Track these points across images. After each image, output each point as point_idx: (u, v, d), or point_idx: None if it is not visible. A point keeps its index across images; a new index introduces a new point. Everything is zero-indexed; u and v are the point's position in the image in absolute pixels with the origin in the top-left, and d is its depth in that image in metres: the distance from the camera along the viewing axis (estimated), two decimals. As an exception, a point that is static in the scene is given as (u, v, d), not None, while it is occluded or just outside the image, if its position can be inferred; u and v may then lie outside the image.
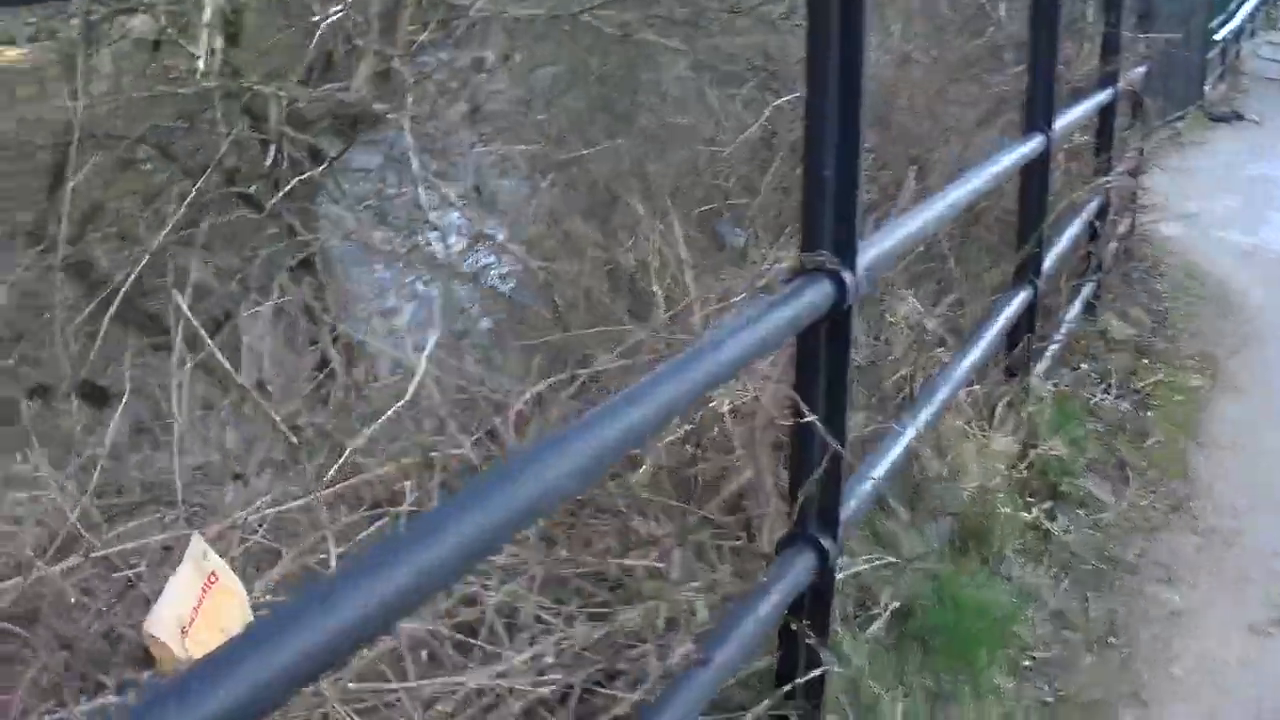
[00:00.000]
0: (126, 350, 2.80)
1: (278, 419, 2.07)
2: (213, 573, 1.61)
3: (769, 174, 4.52)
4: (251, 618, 1.66)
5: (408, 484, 2.17)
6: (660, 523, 2.10)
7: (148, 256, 3.21)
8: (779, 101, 4.58)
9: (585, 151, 4.72)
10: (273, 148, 3.87)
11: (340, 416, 2.38)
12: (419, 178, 4.00)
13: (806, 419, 2.12)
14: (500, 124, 4.69)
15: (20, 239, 3.84)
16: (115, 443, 2.12)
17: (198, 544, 1.64)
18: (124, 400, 2.22)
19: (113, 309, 3.12)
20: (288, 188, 3.74)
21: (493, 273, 3.96)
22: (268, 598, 1.72)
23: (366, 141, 4.64)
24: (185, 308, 2.22)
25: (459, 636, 1.78)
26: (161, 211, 3.43)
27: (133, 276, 3.24)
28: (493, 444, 2.33)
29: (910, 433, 2.96)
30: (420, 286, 3.87)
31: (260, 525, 1.91)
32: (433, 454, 2.23)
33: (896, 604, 2.77)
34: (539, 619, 1.82)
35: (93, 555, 1.69)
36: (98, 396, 2.66)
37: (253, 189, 4.03)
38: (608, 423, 1.57)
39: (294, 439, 2.05)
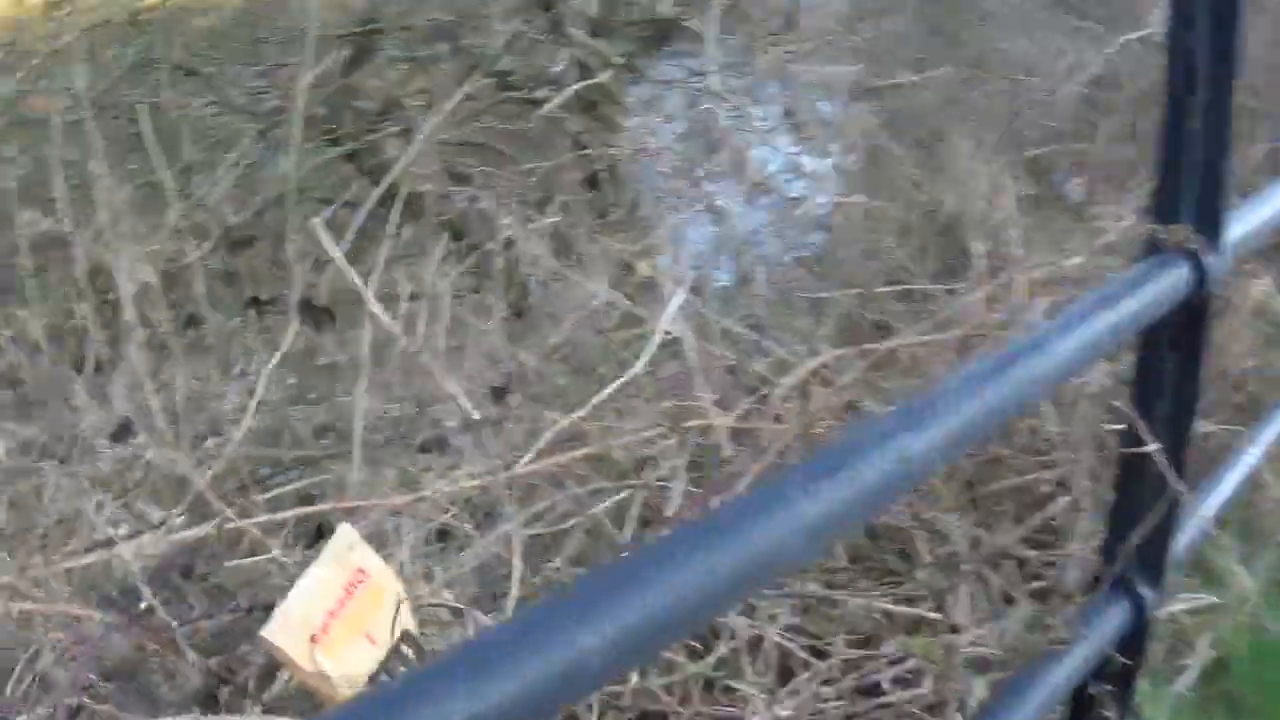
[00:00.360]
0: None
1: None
2: (360, 569, 1.37)
3: (1108, 121, 4.03)
4: (413, 624, 1.41)
5: (649, 458, 1.92)
6: (943, 545, 1.77)
7: (419, 152, 3.03)
8: (1129, 37, 4.07)
9: (911, 79, 4.32)
10: (567, 53, 3.67)
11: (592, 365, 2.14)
12: (722, 97, 3.71)
13: (1142, 447, 1.73)
14: (816, 42, 4.33)
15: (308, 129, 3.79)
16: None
17: (345, 534, 1.40)
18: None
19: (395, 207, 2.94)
20: (565, 94, 3.51)
21: (798, 210, 3.64)
22: (448, 594, 1.50)
23: (671, 53, 4.38)
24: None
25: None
26: (441, 111, 3.26)
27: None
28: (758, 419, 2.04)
29: (1258, 453, 2.50)
30: (712, 219, 3.60)
31: (453, 504, 1.68)
32: (683, 425, 1.96)
33: (1214, 654, 2.36)
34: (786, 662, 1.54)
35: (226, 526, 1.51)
36: (319, 316, 2.50)
37: (539, 94, 3.83)
38: (910, 432, 1.23)
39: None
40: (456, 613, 1.47)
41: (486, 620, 1.45)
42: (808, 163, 4.05)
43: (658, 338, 2.06)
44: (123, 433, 1.78)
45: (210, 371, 2.14)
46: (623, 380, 1.87)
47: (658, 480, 1.94)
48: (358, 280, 1.88)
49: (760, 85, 4.17)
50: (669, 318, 2.05)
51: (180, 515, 1.57)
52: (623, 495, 1.89)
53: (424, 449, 1.82)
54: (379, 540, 1.54)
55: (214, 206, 3.39)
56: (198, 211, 3.29)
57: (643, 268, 2.55)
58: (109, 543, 1.54)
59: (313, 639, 1.31)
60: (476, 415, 1.83)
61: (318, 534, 1.61)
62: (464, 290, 2.60)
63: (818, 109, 4.54)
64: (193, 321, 2.34)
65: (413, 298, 2.60)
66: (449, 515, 1.63)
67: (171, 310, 2.31)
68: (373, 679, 1.35)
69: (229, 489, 1.71)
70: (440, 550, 1.63)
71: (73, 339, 2.35)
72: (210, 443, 1.77)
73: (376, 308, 2.04)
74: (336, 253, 1.99)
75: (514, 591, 1.46)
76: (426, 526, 1.61)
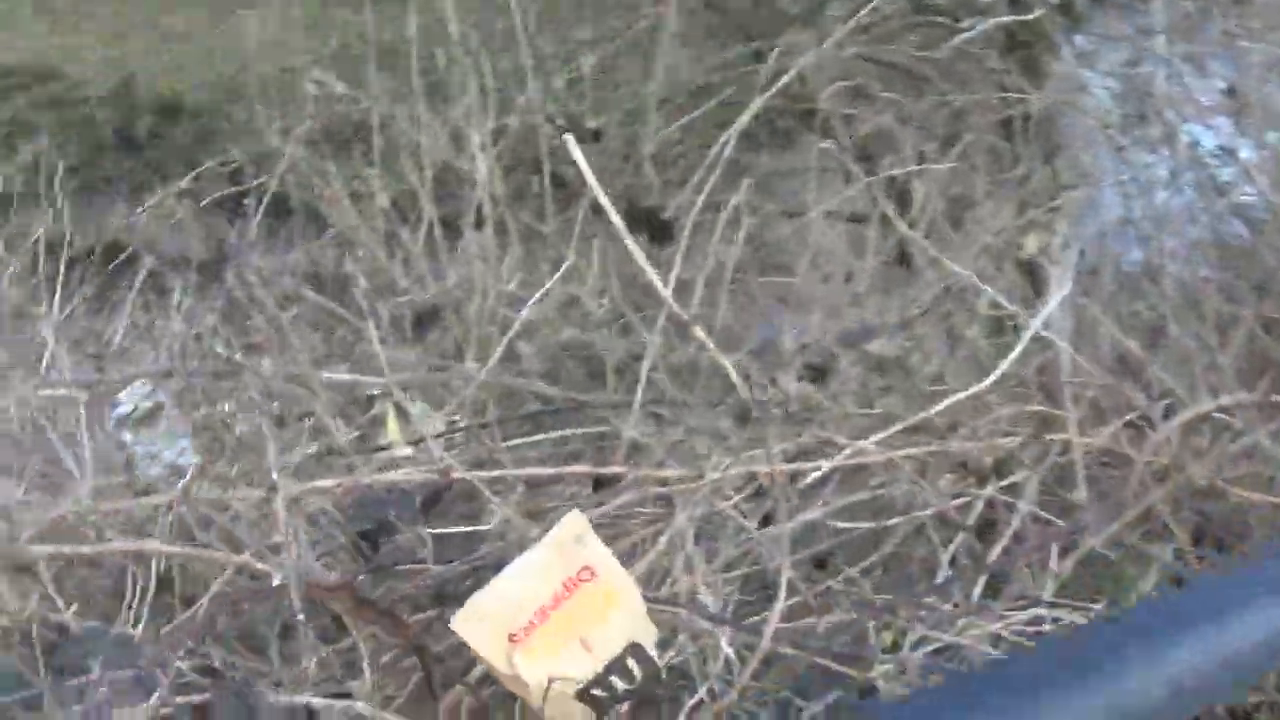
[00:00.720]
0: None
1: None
2: (586, 566, 1.19)
3: None
4: (649, 636, 1.23)
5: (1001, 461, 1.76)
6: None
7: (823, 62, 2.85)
8: None
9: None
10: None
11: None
12: (1167, 62, 3.33)
13: None
14: (1273, 21, 3.82)
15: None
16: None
17: (574, 523, 1.22)
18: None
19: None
20: (989, 23, 3.22)
21: (1222, 200, 3.25)
22: (706, 593, 1.36)
23: (1116, 4, 3.98)
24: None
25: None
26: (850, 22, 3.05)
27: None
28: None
29: None
30: (1125, 196, 3.26)
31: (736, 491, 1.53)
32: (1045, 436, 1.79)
33: None
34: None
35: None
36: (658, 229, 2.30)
37: (963, 22, 3.56)
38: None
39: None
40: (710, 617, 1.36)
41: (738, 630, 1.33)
42: (1244, 148, 3.62)
43: (1029, 333, 1.87)
44: (430, 317, 1.75)
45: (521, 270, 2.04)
46: (989, 381, 1.71)
47: (1002, 488, 1.78)
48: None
49: (1206, 57, 3.74)
50: (1046, 316, 1.86)
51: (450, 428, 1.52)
52: (962, 500, 1.75)
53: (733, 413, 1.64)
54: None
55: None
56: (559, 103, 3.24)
57: (1029, 244, 2.32)
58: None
59: (511, 638, 1.16)
60: (797, 383, 1.70)
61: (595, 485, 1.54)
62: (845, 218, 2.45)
63: (1265, 92, 4.04)
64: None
65: (789, 215, 2.46)
66: (731, 501, 1.50)
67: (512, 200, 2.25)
68: (585, 694, 1.19)
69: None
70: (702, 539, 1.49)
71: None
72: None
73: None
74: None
75: (780, 598, 1.34)
76: (702, 511, 1.48)
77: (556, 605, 1.17)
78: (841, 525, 1.72)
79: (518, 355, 1.76)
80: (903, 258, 2.19)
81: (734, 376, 1.22)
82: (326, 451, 1.55)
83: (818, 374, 1.72)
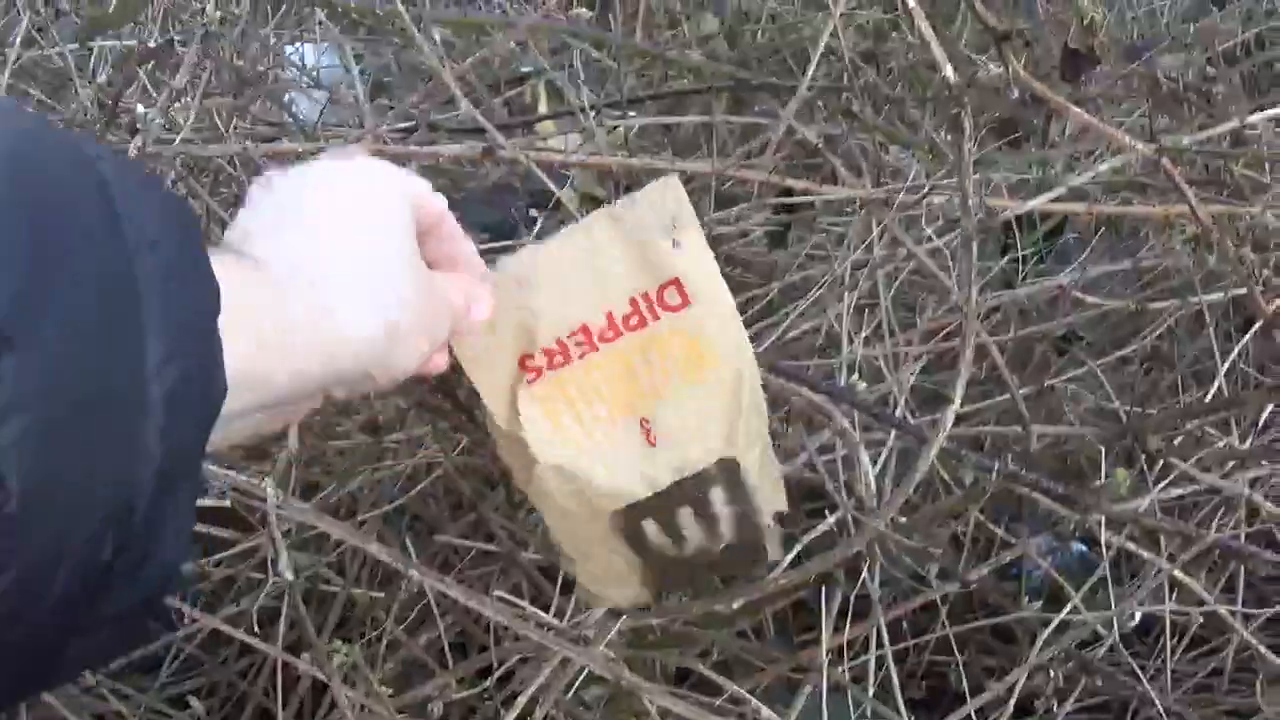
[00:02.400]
0: None
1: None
2: (676, 281, 0.69)
3: None
4: (775, 478, 0.74)
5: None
6: None
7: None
8: None
9: None
10: None
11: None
12: None
13: None
14: None
15: None
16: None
17: (669, 193, 0.70)
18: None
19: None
20: None
21: None
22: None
23: None
24: None
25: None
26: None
27: None
28: None
29: None
30: None
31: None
32: None
33: None
34: None
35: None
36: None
37: None
38: None
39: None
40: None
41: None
42: None
43: None
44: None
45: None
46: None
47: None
48: None
49: None
50: None
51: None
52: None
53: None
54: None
55: None
56: None
57: None
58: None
59: (526, 362, 0.68)
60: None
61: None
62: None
63: None
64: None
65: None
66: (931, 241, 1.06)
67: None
68: (630, 521, 0.71)
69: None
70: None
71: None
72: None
73: None
74: None
75: (958, 391, 0.88)
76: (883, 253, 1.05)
77: (614, 333, 0.69)
78: (1091, 299, 1.29)
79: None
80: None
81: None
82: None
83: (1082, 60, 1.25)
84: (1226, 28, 1.58)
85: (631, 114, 1.17)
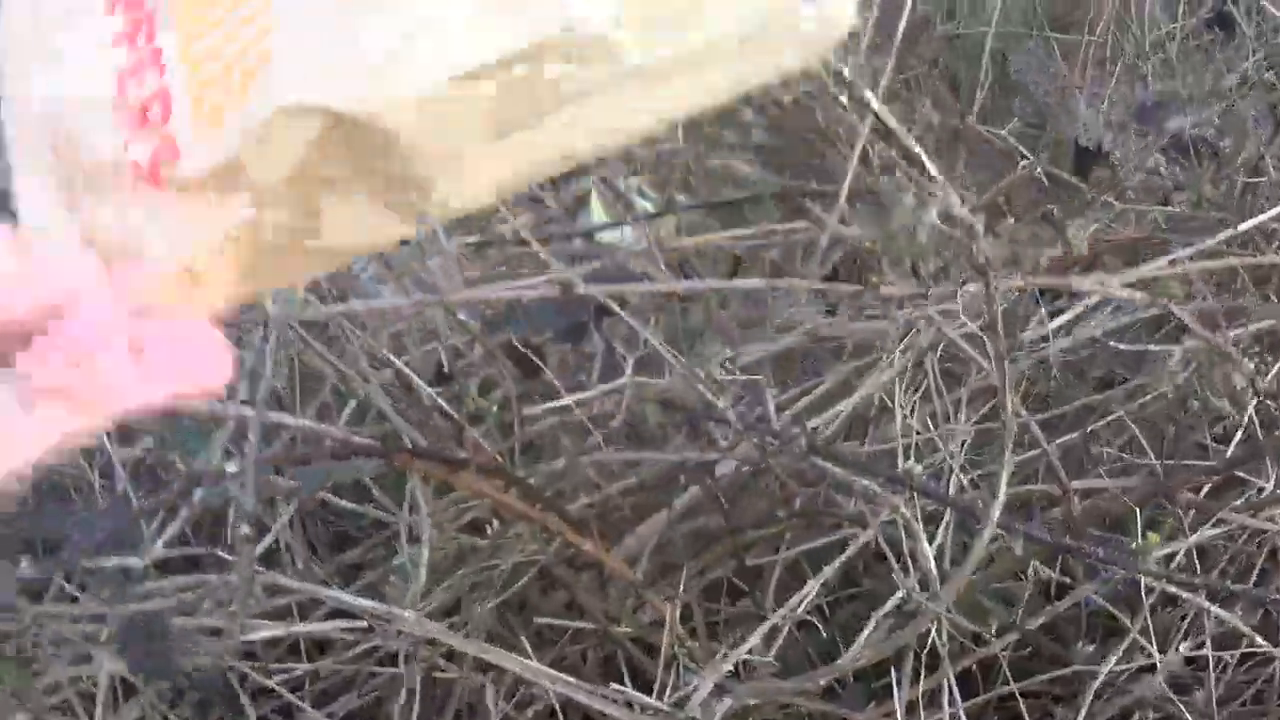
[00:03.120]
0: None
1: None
2: None
3: None
4: None
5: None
6: None
7: None
8: None
9: None
10: None
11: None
12: None
13: None
14: None
15: None
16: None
17: None
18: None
19: None
20: None
21: None
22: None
23: None
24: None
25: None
26: None
27: None
28: None
29: None
30: None
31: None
32: None
33: None
34: None
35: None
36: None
37: None
38: None
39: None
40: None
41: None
42: None
43: None
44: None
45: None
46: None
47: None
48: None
49: None
50: None
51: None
52: None
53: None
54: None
55: None
56: None
57: None
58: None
59: None
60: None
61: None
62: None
63: None
64: None
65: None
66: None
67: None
68: None
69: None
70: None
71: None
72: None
73: None
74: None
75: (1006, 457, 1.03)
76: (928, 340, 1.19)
77: None
78: (1121, 346, 1.41)
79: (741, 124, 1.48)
80: (1222, 18, 1.77)
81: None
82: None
83: (1092, 157, 1.38)
84: (1233, 71, 1.69)
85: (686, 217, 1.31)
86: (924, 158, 0.88)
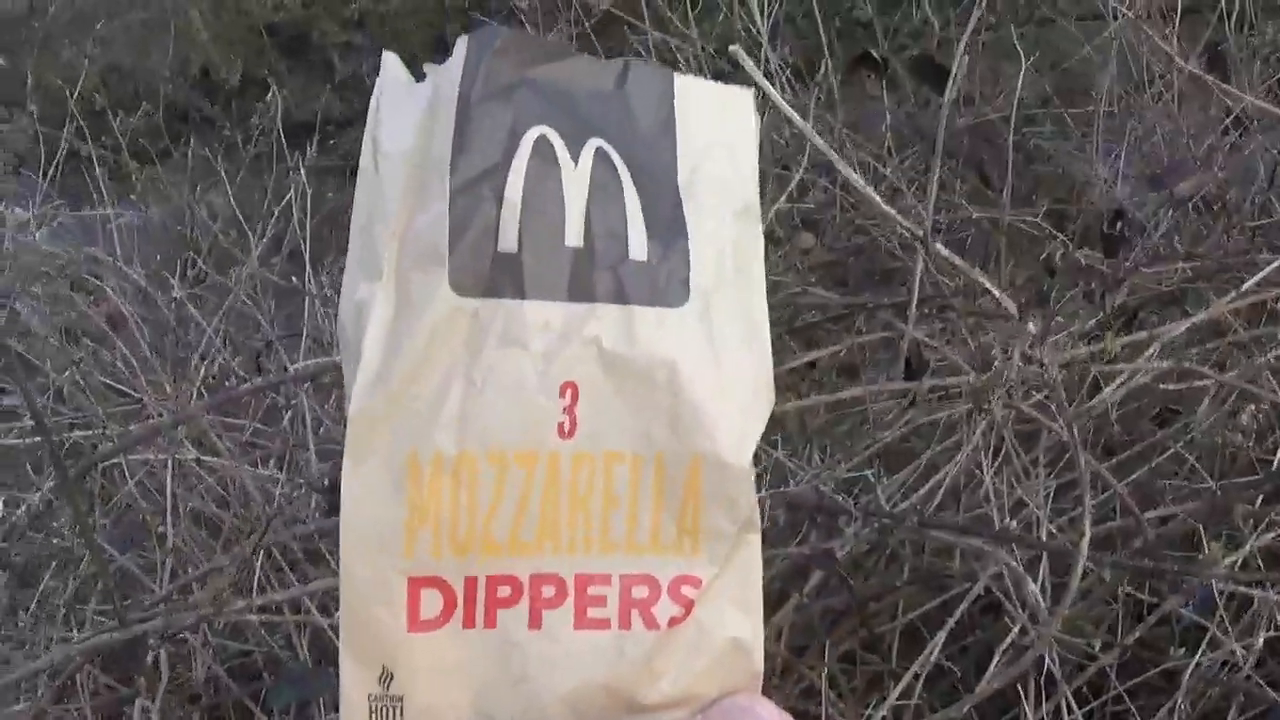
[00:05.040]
0: None
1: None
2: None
3: None
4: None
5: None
6: None
7: None
8: None
9: None
10: None
11: None
12: None
13: None
14: None
15: None
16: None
17: None
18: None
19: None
20: None
21: None
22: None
23: None
24: None
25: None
26: None
27: None
28: None
29: None
30: None
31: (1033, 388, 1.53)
32: None
33: None
34: None
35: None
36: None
37: None
38: None
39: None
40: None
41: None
42: None
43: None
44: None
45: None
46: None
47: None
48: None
49: None
50: None
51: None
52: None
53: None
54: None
55: None
56: None
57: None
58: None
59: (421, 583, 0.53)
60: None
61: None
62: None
63: None
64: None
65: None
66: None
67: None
68: None
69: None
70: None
71: None
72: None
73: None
74: None
75: (1085, 502, 1.35)
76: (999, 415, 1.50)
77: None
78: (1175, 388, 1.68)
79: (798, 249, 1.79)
80: (1215, 59, 2.04)
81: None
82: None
83: (1120, 238, 1.66)
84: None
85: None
86: (993, 290, 1.17)
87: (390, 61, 0.59)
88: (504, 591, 0.55)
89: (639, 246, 0.56)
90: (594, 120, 0.56)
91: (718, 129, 0.59)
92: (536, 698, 0.55)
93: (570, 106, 0.56)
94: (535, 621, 0.55)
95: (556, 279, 0.54)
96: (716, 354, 0.56)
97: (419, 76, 0.57)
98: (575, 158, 0.55)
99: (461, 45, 0.55)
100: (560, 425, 0.55)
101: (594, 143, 0.56)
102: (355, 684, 0.55)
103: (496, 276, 0.54)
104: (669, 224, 0.56)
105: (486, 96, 0.55)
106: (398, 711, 0.55)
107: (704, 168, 0.58)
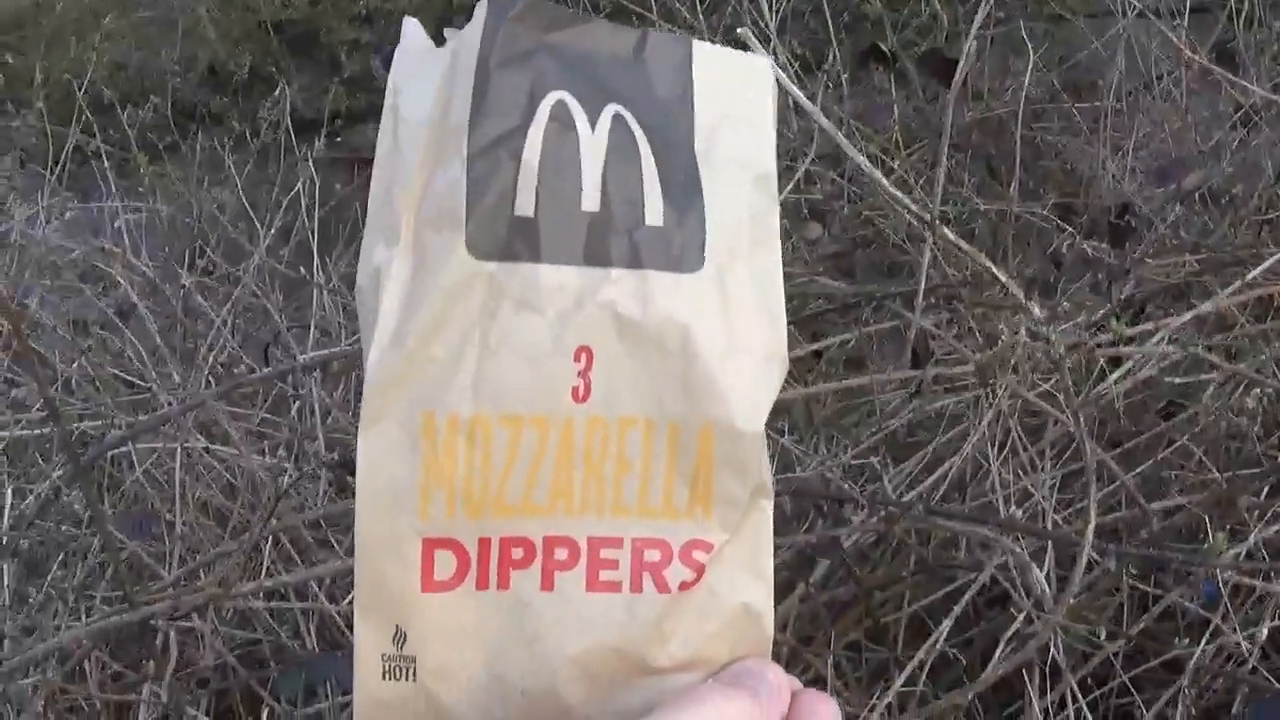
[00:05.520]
0: None
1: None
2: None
3: None
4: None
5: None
6: None
7: None
8: None
9: None
10: None
11: None
12: None
13: None
14: None
15: None
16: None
17: None
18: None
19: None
20: None
21: None
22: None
23: None
24: None
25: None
26: None
27: None
28: None
29: None
30: None
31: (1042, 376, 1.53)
32: None
33: None
34: None
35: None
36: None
37: None
38: None
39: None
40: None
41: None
42: None
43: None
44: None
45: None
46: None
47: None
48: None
49: None
50: None
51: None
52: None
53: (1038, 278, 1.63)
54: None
55: None
56: None
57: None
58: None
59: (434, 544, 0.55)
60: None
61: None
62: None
63: None
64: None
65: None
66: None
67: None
68: None
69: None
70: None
71: None
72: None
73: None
74: None
75: (1091, 494, 1.36)
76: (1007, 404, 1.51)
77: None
78: (1182, 381, 1.69)
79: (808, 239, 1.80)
80: (1224, 56, 2.05)
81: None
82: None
83: (1126, 228, 1.67)
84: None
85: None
86: (999, 274, 1.18)
87: (411, 27, 0.59)
88: (517, 553, 0.56)
89: (655, 212, 0.56)
90: (612, 86, 0.57)
91: (736, 98, 0.60)
92: (548, 659, 0.56)
93: (589, 72, 0.57)
94: (548, 583, 0.56)
95: (572, 243, 0.55)
96: (730, 320, 0.57)
97: (440, 42, 0.58)
98: (593, 123, 0.56)
99: (481, 10, 0.56)
100: (575, 389, 0.55)
101: (612, 108, 0.56)
102: (369, 643, 0.56)
103: (513, 240, 0.54)
104: (686, 190, 0.57)
105: (505, 62, 0.55)
106: (411, 671, 0.56)
107: (721, 136, 0.59)
